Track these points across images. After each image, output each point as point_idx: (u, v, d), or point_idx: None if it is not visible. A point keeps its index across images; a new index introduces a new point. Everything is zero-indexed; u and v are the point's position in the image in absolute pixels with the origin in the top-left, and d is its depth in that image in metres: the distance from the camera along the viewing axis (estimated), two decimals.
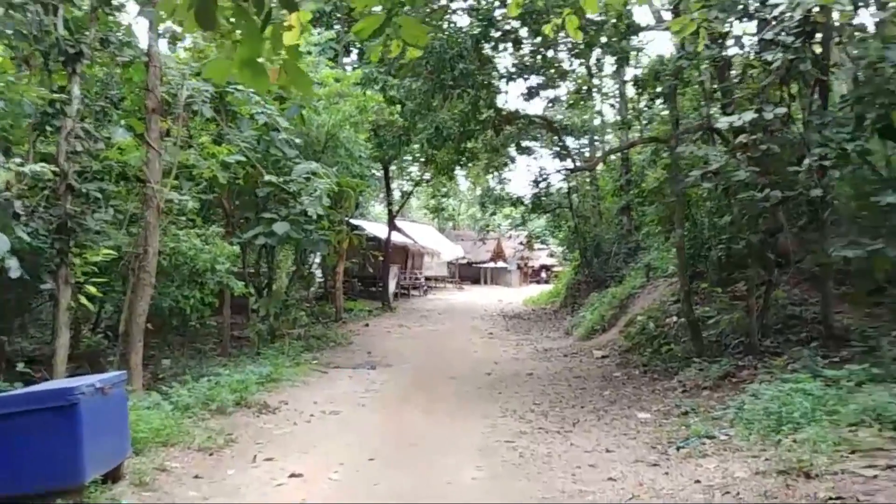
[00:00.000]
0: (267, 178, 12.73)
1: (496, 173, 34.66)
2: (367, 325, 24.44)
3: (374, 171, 24.77)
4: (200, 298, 13.17)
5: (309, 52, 17.58)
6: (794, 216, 11.13)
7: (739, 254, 12.32)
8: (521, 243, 38.42)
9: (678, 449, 7.47)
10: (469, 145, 17.29)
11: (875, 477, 5.11)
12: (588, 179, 30.54)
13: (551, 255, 62.82)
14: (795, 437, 6.58)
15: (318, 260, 28.76)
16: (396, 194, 37.38)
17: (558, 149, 18.74)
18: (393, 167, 35.57)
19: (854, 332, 10.71)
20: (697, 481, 5.99)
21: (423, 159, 21.41)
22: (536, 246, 50.32)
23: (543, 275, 64.98)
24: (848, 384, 7.73)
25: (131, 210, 11.13)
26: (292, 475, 7.08)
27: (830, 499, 4.84)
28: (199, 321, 13.90)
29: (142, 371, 10.50)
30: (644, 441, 8.09)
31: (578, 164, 20.05)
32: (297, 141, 16.05)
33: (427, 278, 44.36)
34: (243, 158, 13.33)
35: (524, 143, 17.16)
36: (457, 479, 6.76)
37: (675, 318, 15.09)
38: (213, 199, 18.14)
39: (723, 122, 8.89)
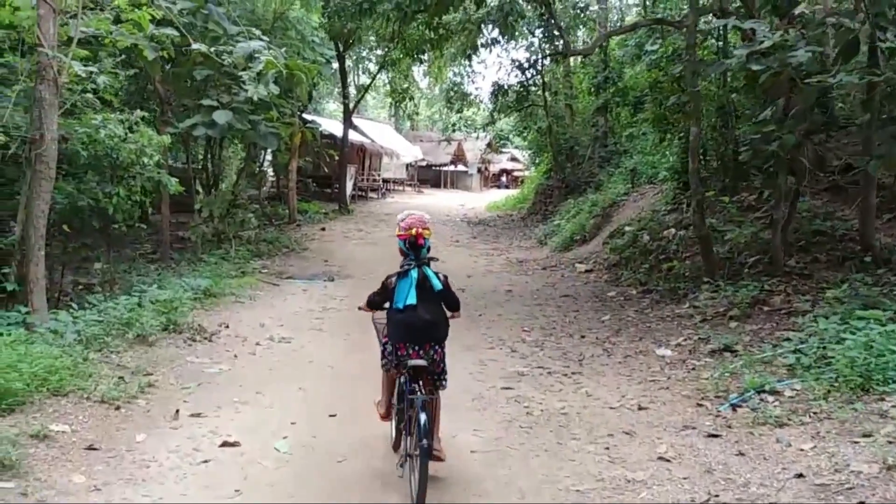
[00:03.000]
0: (195, 46, 10.30)
1: (463, 65, 31.98)
2: (323, 228, 22.44)
3: (328, 59, 22.06)
4: (126, 196, 11.01)
5: None
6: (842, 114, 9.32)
7: (763, 157, 10.50)
8: (487, 145, 36.07)
9: (733, 408, 5.77)
10: (444, 19, 14.72)
11: None
12: (560, 77, 28.23)
13: (513, 160, 60.80)
14: None
15: (269, 157, 26.46)
16: (352, 91, 34.52)
17: (546, 29, 16.01)
18: (349, 62, 32.63)
19: None
20: (800, 475, 4.26)
21: (386, 39, 18.40)
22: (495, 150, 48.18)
23: (504, 179, 63.15)
24: None
25: (22, 83, 8.72)
26: (224, 443, 5.18)
27: None
28: (127, 223, 11.66)
29: (44, 286, 8.35)
30: (682, 393, 6.36)
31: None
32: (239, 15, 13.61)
33: (385, 180, 42.07)
34: (175, 33, 10.83)
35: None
36: (449, 455, 4.85)
37: (673, 231, 13.37)
38: (145, 82, 15.70)
39: None
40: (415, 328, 4.63)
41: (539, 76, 23.85)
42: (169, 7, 10.84)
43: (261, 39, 12.08)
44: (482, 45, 15.76)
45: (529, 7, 15.59)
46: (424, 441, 4.04)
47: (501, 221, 28.17)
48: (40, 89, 7.85)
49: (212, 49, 10.69)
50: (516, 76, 21.19)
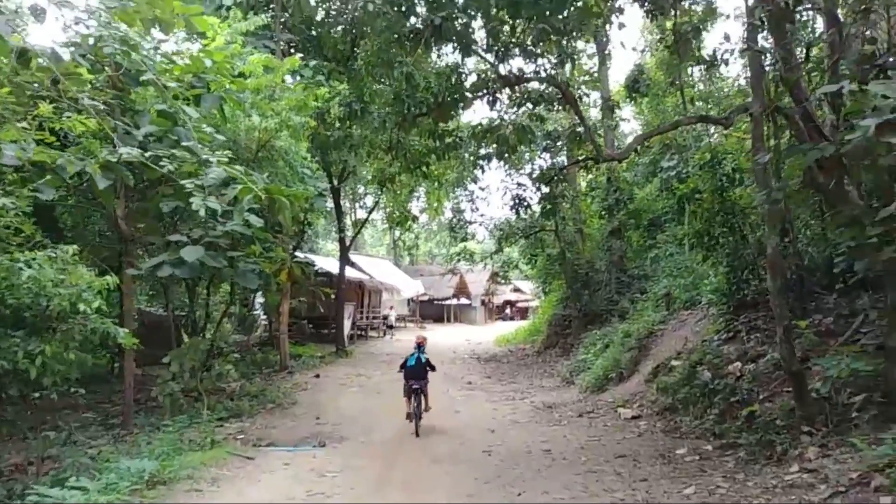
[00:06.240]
0: (123, 150, 8.29)
1: (462, 195, 30.55)
2: (317, 375, 19.96)
3: (321, 191, 20.11)
4: (59, 354, 8.69)
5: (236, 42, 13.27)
6: None
7: (867, 267, 8.27)
8: (495, 273, 33.95)
9: None
10: (450, 126, 12.71)
11: None
12: (568, 201, 26.48)
13: (516, 290, 58.68)
14: None
15: (261, 300, 24.29)
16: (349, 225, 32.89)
17: (572, 130, 14.02)
18: (344, 198, 31.18)
19: None
20: None
21: (383, 149, 16.40)
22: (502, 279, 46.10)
23: (509, 311, 60.97)
24: None
25: None
26: None
27: None
28: (59, 389, 9.21)
29: None
30: None
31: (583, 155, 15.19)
32: (221, 138, 11.79)
33: (385, 317, 39.83)
34: (131, 155, 8.86)
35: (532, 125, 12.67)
36: None
37: (739, 365, 10.96)
38: (102, 217, 13.79)
39: None
40: (414, 373, 12.17)
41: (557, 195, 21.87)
42: (129, 130, 8.98)
43: (226, 157, 10.20)
44: (498, 156, 13.61)
45: (550, 108, 13.69)
46: (418, 409, 11.99)
47: (515, 357, 25.71)
48: None
49: (147, 155, 8.62)
50: (537, 188, 19.20)
